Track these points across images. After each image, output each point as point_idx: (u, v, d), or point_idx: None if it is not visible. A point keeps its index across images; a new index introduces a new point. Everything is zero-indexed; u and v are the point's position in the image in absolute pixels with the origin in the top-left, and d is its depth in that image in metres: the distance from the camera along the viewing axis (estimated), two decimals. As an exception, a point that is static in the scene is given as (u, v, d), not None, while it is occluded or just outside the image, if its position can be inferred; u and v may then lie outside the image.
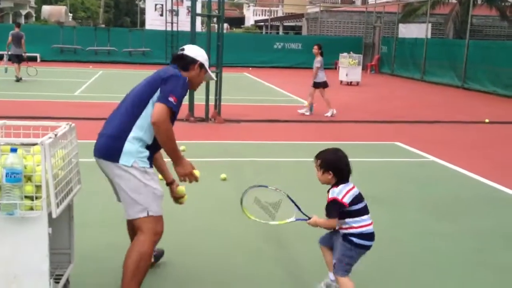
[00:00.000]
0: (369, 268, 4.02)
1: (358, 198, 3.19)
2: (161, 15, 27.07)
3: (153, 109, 3.10)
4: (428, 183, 6.68)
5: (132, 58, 26.14)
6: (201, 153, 7.76)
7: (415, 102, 15.52)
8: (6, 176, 2.68)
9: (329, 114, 11.82)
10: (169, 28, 23.75)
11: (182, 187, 3.61)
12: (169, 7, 24.23)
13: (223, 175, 6.36)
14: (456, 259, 4.32)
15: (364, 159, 7.88)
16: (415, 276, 3.99)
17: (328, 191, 3.21)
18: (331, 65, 26.76)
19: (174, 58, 3.45)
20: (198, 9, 18.85)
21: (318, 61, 11.59)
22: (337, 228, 3.24)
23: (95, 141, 3.28)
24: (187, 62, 3.39)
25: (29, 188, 2.79)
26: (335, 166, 3.18)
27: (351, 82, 20.14)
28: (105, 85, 16.86)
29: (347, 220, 3.18)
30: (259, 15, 49.50)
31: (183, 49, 3.45)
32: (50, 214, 2.85)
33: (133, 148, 3.13)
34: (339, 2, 42.71)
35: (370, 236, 3.21)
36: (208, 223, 4.92)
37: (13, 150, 2.71)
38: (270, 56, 27.68)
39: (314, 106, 12.04)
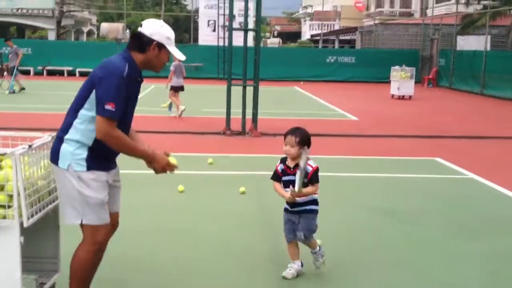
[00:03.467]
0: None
1: None
2: (214, 30, 27.51)
3: (96, 123, 2.90)
4: (461, 201, 6.28)
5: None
6: (232, 166, 7.74)
7: (468, 117, 14.81)
8: (-23, 184, 2.72)
9: (177, 113, 12.69)
10: (221, 44, 24.09)
11: (172, 158, 3.20)
12: (221, 23, 24.61)
13: (242, 189, 6.28)
14: (469, 281, 4.00)
15: (397, 175, 7.57)
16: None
17: (296, 165, 3.73)
18: (385, 79, 26.21)
19: (131, 37, 3.11)
20: (251, 24, 18.99)
21: (173, 65, 12.64)
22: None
23: None
24: (143, 43, 3.03)
25: (1, 197, 2.83)
26: (309, 142, 3.83)
27: (403, 96, 19.53)
28: (155, 99, 17.17)
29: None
30: (315, 29, 49.34)
31: (141, 25, 3.07)
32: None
33: (68, 149, 2.95)
34: (397, 14, 41.85)
35: None
36: (239, 239, 4.83)
37: (-16, 159, 2.75)
38: (322, 70, 27.39)
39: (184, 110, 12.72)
